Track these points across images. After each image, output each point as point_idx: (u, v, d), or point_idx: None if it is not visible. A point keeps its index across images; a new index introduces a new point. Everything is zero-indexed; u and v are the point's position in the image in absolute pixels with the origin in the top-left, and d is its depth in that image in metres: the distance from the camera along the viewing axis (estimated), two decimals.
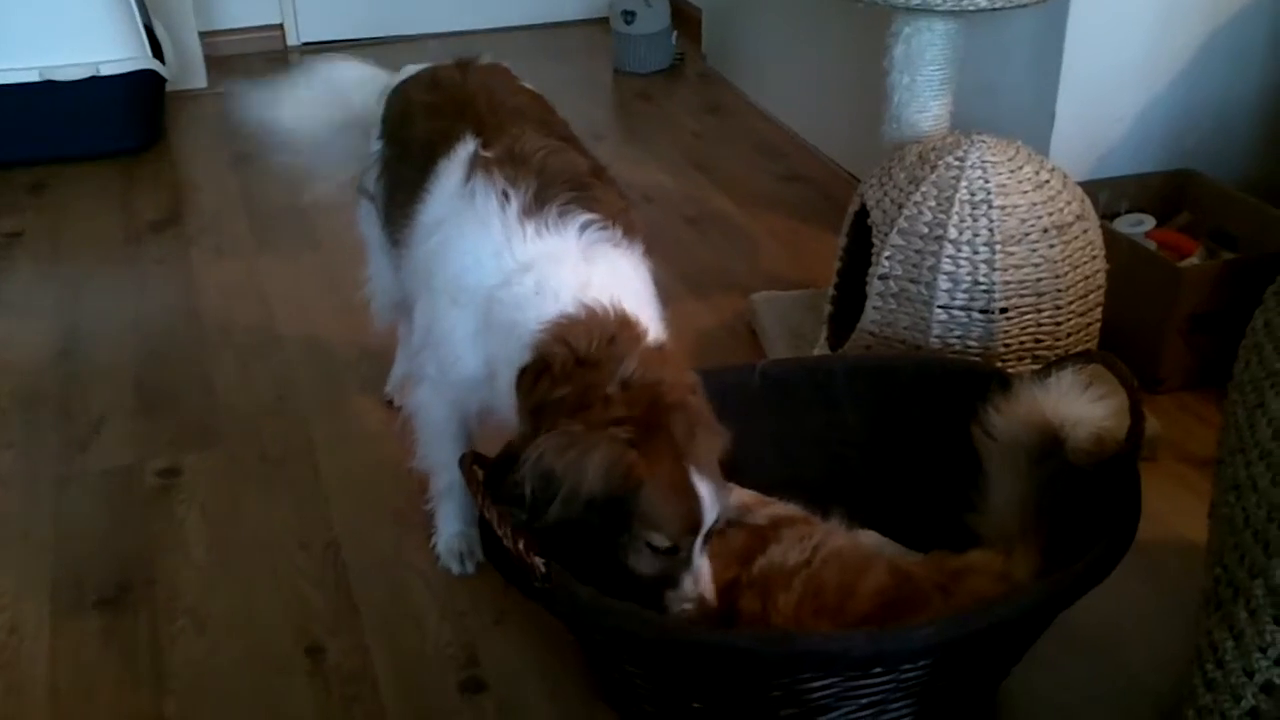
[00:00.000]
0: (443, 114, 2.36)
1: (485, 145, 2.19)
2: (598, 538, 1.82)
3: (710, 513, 1.85)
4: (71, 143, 4.37)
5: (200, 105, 4.97)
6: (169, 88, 4.72)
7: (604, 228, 2.08)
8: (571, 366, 1.90)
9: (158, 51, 4.50)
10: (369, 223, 2.68)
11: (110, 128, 4.40)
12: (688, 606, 1.86)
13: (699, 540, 1.86)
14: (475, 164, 2.15)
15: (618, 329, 1.93)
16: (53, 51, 4.23)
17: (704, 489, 1.84)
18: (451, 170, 2.21)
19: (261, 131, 2.93)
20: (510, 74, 2.56)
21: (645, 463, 1.80)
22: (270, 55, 5.51)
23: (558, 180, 2.10)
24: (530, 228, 2.04)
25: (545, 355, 1.93)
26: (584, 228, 2.06)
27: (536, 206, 2.06)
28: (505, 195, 2.07)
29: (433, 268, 2.18)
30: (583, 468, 1.78)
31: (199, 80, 5.08)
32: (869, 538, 2.15)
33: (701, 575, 1.88)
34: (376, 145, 2.57)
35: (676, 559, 1.86)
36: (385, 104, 2.59)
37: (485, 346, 2.07)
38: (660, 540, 1.83)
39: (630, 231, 2.13)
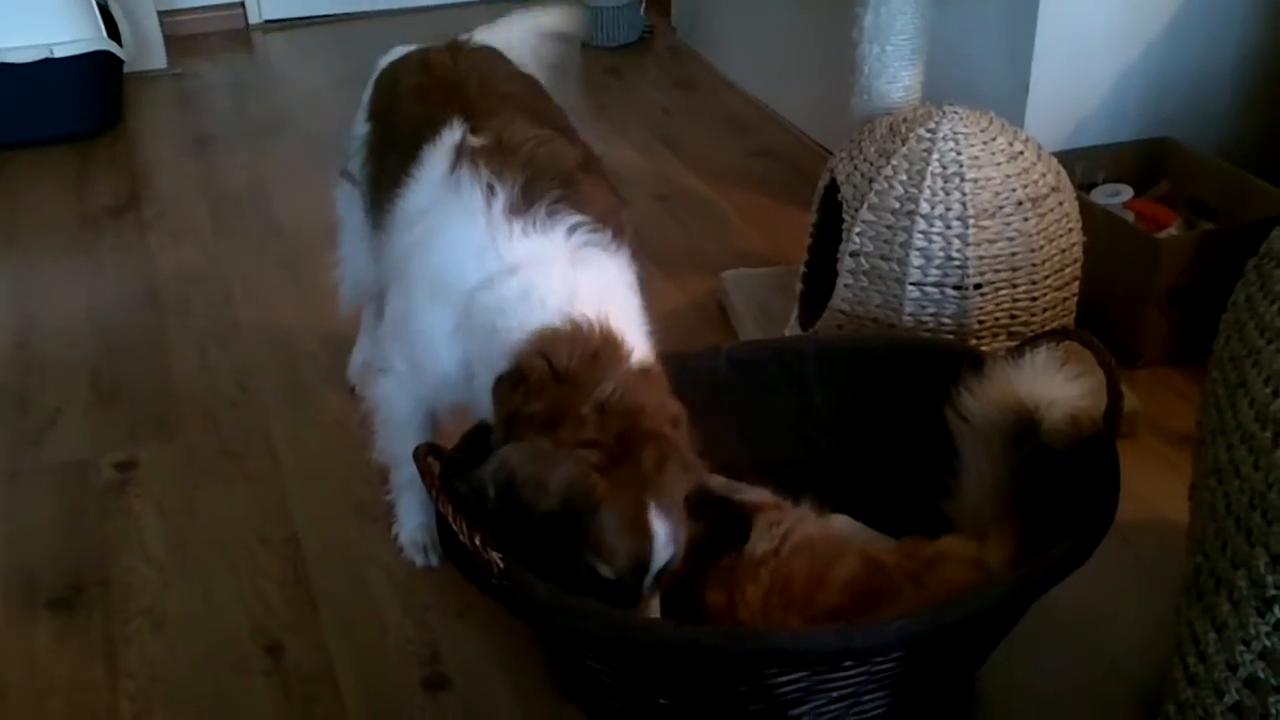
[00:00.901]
0: (431, 97, 2.29)
1: (473, 132, 2.12)
2: (550, 552, 1.76)
3: (662, 554, 1.77)
4: (25, 127, 4.28)
5: (159, 87, 4.89)
6: (127, 69, 4.65)
7: (594, 230, 2.01)
8: (549, 381, 1.83)
9: (114, 32, 4.43)
10: (348, 206, 2.62)
11: (65, 111, 4.31)
12: None
13: (648, 579, 1.79)
14: (461, 153, 2.08)
15: (601, 346, 1.86)
16: (4, 33, 4.14)
17: (660, 528, 1.76)
18: (437, 157, 2.13)
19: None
20: (503, 57, 2.49)
21: (607, 489, 1.74)
22: (231, 34, 5.43)
23: (546, 175, 2.03)
24: (517, 226, 1.97)
25: (523, 367, 1.86)
26: (573, 230, 1.99)
27: (524, 204, 1.98)
28: (491, 189, 1.99)
29: (413, 260, 2.11)
30: (544, 482, 1.73)
31: (158, 61, 4.99)
32: (841, 523, 2.11)
33: (648, 611, 1.81)
34: (363, 128, 2.51)
35: (621, 591, 1.78)
36: (373, 85, 2.54)
37: (464, 346, 2.00)
38: (606, 571, 1.76)
39: (620, 234, 2.06)
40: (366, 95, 2.54)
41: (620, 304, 1.97)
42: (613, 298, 1.96)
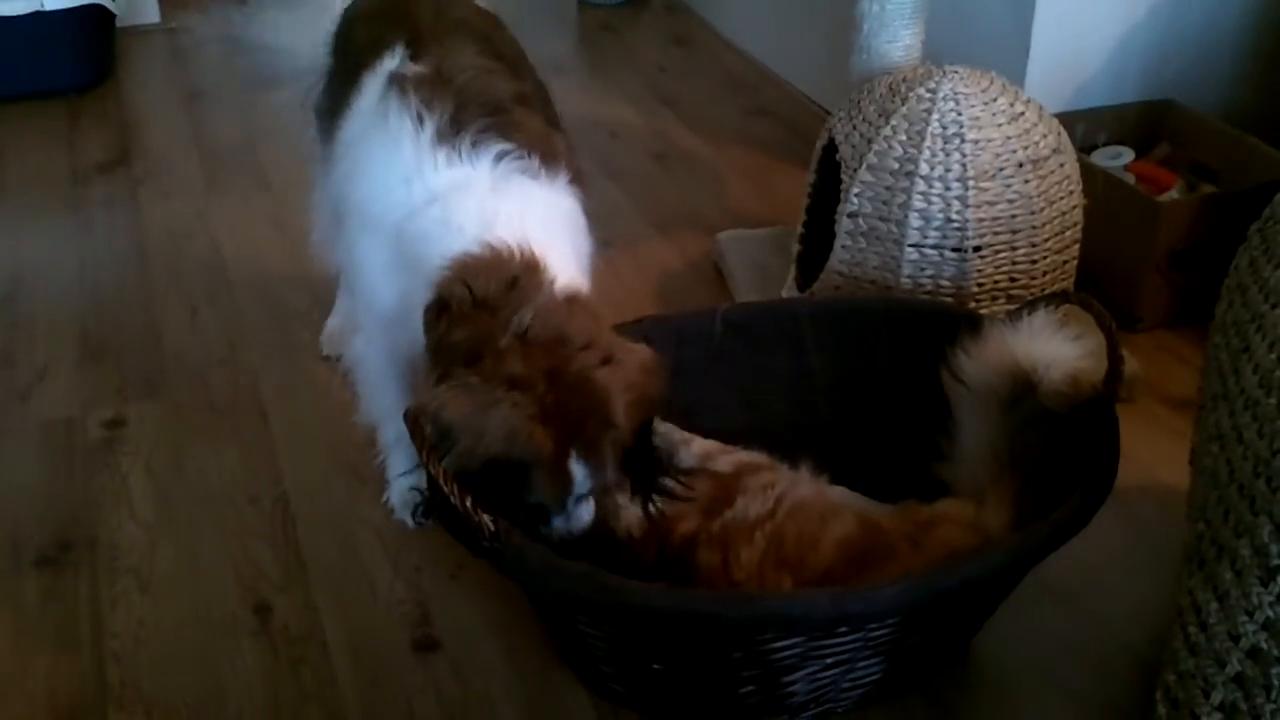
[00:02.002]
0: (382, 21, 2.26)
1: (414, 59, 2.09)
2: (484, 486, 1.75)
3: (580, 487, 1.79)
4: (15, 81, 4.23)
5: (151, 41, 4.84)
6: (119, 23, 4.61)
7: (520, 157, 1.98)
8: (469, 308, 1.81)
9: None
10: (312, 144, 2.58)
11: (56, 65, 4.26)
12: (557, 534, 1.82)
13: (568, 501, 1.80)
14: (393, 81, 2.05)
15: (521, 271, 1.83)
16: None
17: (578, 472, 1.76)
18: (373, 85, 2.11)
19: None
20: None
21: (542, 439, 1.73)
22: None
23: (475, 104, 2.00)
24: (442, 155, 1.95)
25: (444, 295, 1.84)
26: (499, 157, 1.96)
27: (451, 132, 1.96)
28: (420, 119, 1.97)
29: (345, 192, 2.10)
30: (481, 429, 1.72)
31: (151, 15, 4.95)
32: (838, 494, 2.08)
33: (575, 518, 1.82)
34: (324, 61, 2.48)
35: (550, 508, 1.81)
36: (341, 15, 2.50)
37: (398, 280, 1.98)
38: (531, 496, 1.78)
39: (551, 159, 2.03)
40: (333, 27, 2.51)
41: (544, 230, 1.92)
42: (536, 224, 1.92)
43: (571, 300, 1.84)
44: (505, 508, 1.75)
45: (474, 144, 1.95)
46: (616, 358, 1.82)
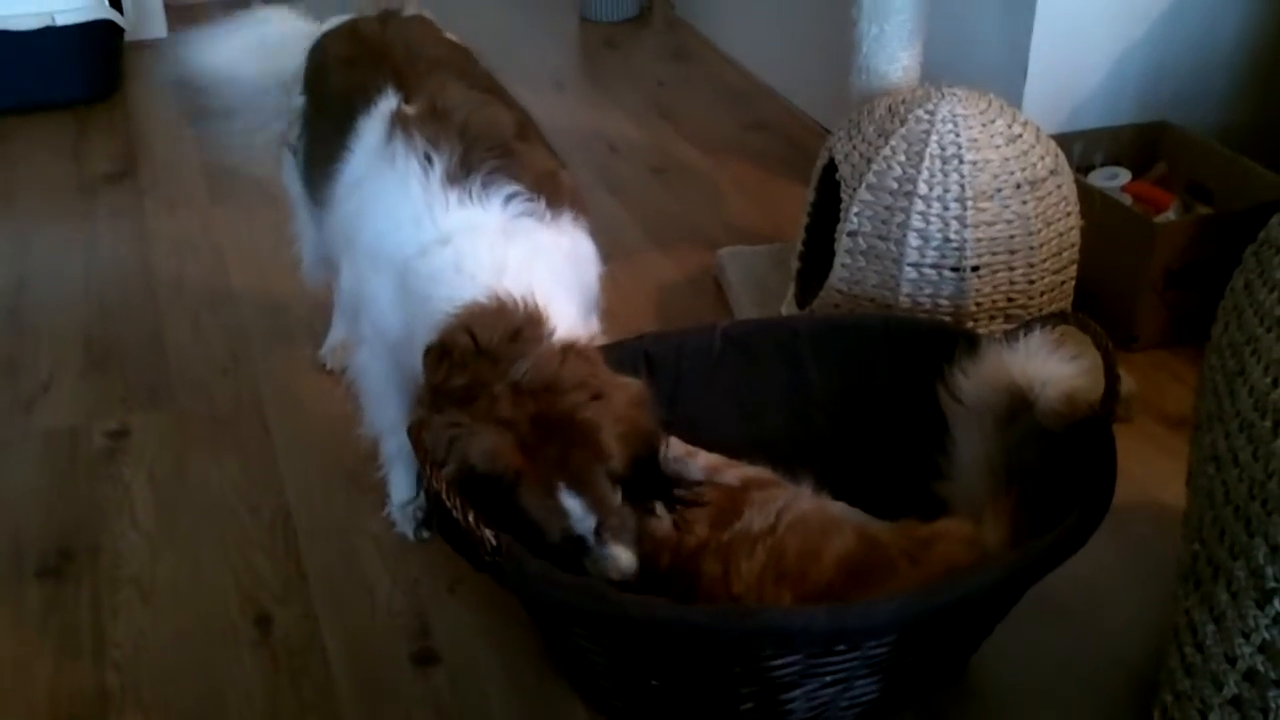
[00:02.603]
0: (359, 66, 2.30)
1: (406, 100, 2.13)
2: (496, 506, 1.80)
3: (584, 523, 1.82)
4: (25, 93, 4.26)
5: (159, 55, 4.84)
6: (128, 37, 4.63)
7: (529, 199, 2.02)
8: (470, 357, 1.85)
9: (115, 1, 4.39)
10: (291, 178, 2.63)
11: (65, 78, 4.28)
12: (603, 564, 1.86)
13: (589, 540, 1.84)
14: (396, 121, 2.09)
15: (524, 323, 1.87)
16: (7, 0, 4.12)
17: (570, 504, 1.80)
18: (372, 127, 2.15)
19: (204, 81, 2.82)
20: (433, 25, 2.50)
21: (525, 466, 1.78)
22: (233, 4, 5.37)
23: (483, 142, 2.04)
24: (454, 195, 1.99)
25: (447, 341, 1.88)
26: (509, 199, 2.00)
27: (461, 173, 2.00)
28: (428, 159, 2.01)
29: (353, 231, 2.12)
30: (465, 451, 1.77)
31: (159, 30, 4.96)
32: (836, 509, 2.10)
33: (613, 561, 1.85)
34: (298, 100, 2.50)
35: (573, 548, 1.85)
36: (306, 57, 2.53)
37: (404, 314, 2.02)
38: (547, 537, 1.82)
39: (557, 199, 2.07)
40: (301, 66, 2.53)
41: (550, 278, 1.97)
42: (543, 271, 1.96)
43: (568, 349, 1.87)
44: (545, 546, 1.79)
45: (484, 185, 1.99)
46: (605, 394, 1.85)
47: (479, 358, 1.84)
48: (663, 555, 1.94)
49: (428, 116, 2.07)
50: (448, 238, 1.96)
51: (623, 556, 1.85)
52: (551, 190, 2.06)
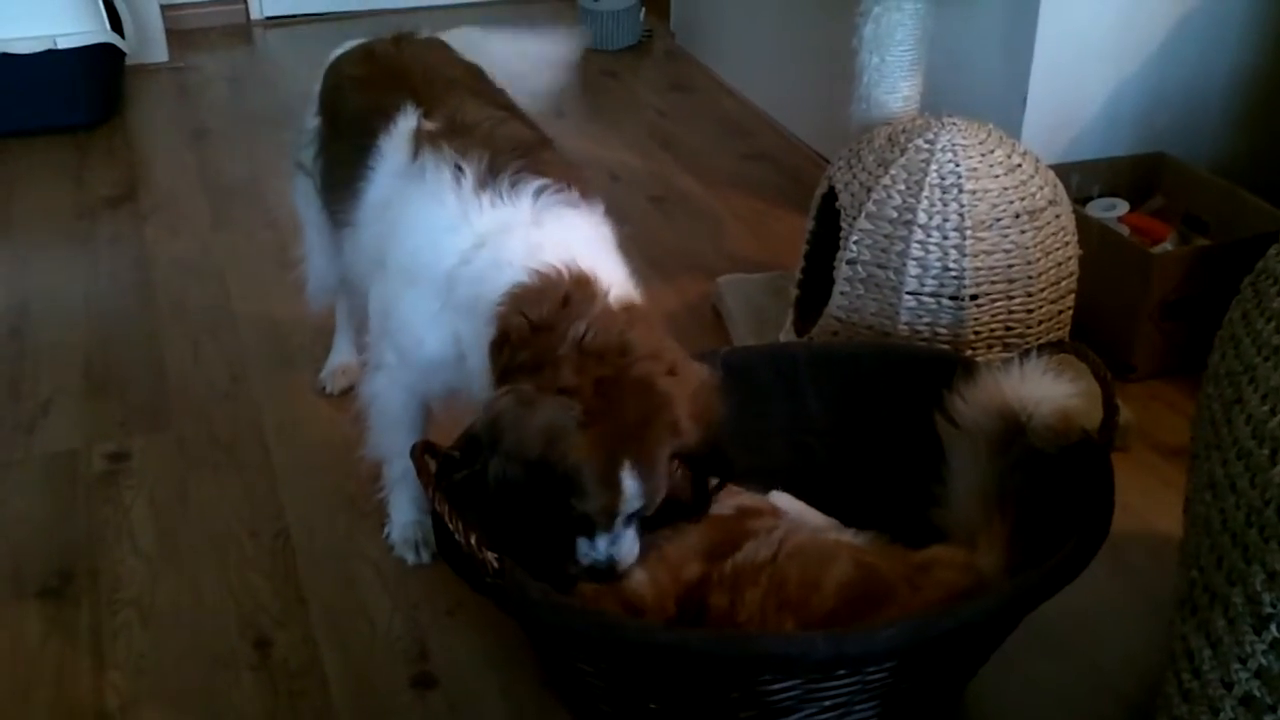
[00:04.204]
0: (376, 87, 2.31)
1: (427, 116, 2.14)
2: (529, 496, 1.79)
3: (631, 504, 1.81)
4: (26, 116, 4.29)
5: (160, 79, 4.89)
6: (129, 61, 4.67)
7: (559, 190, 2.02)
8: (528, 333, 1.85)
9: (117, 24, 4.42)
10: (305, 200, 2.64)
11: (66, 102, 4.31)
12: (595, 561, 1.85)
13: (620, 519, 1.83)
14: (421, 138, 2.10)
15: (572, 288, 1.87)
16: (9, 24, 4.16)
17: (629, 484, 1.79)
18: (395, 146, 2.16)
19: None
20: (447, 47, 2.50)
21: (586, 447, 1.76)
22: (233, 29, 5.44)
23: (507, 148, 2.05)
24: (485, 199, 1.99)
25: (504, 328, 1.88)
26: (538, 193, 2.01)
27: (490, 177, 2.00)
28: (459, 169, 2.01)
29: (385, 249, 2.12)
30: (526, 426, 1.76)
31: (160, 54, 5.01)
32: (783, 501, 2.13)
33: (622, 544, 1.85)
34: (313, 122, 2.51)
35: (598, 525, 1.84)
36: (322, 79, 2.54)
37: (451, 326, 2.01)
38: (580, 508, 1.80)
39: (586, 193, 2.08)
40: (315, 89, 2.55)
41: (589, 248, 1.97)
42: (581, 245, 1.96)
43: (630, 309, 1.88)
44: (545, 529, 1.79)
45: (513, 184, 2.00)
46: (680, 370, 1.85)
47: (537, 333, 1.84)
48: (666, 604, 1.93)
49: (450, 131, 2.08)
50: (484, 240, 1.96)
51: (630, 545, 1.86)
52: (582, 185, 2.07)
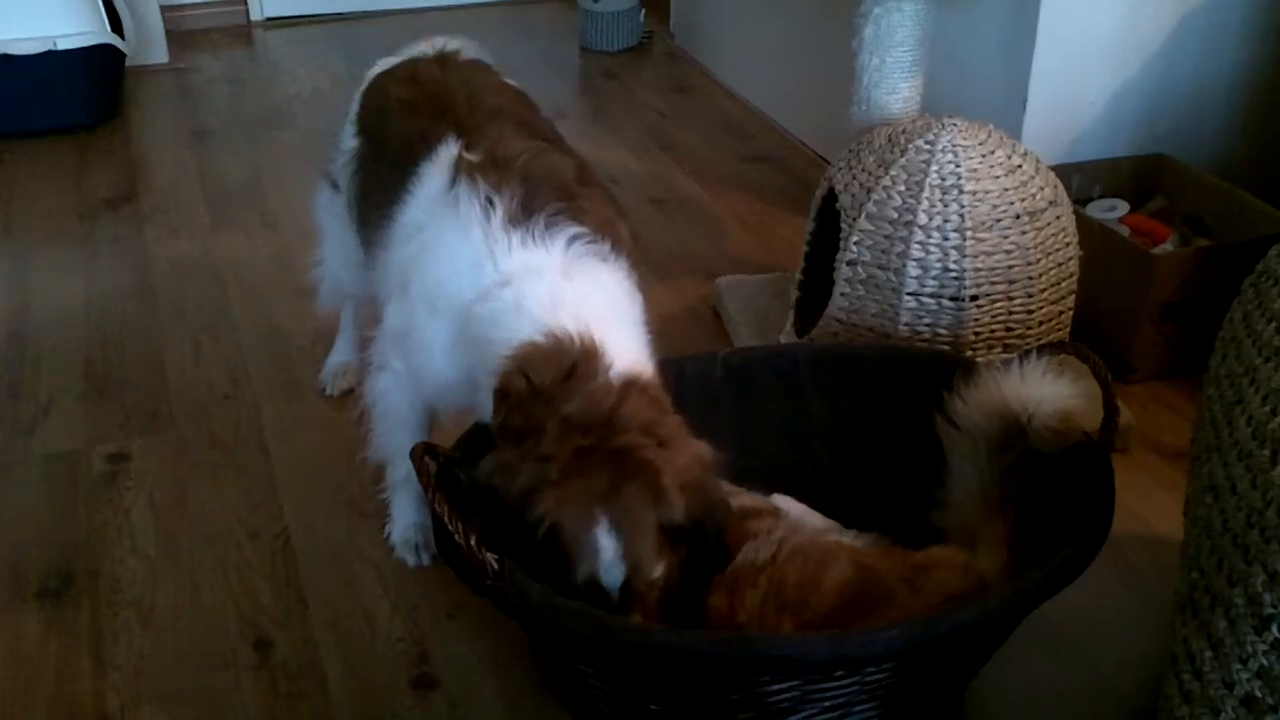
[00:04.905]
0: (422, 112, 2.29)
1: (468, 148, 2.12)
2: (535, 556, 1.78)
3: (610, 570, 1.77)
4: (26, 118, 4.28)
5: (160, 81, 4.89)
6: (129, 62, 4.66)
7: (592, 241, 2.00)
8: (525, 397, 1.84)
9: (117, 26, 4.42)
10: (328, 210, 2.64)
11: (66, 103, 4.31)
12: None
13: (612, 593, 1.78)
14: (459, 168, 2.07)
15: (579, 360, 1.85)
16: (8, 25, 4.16)
17: (605, 545, 1.76)
18: (434, 173, 2.14)
19: None
20: (491, 70, 2.49)
21: (554, 504, 1.76)
22: (233, 30, 5.44)
23: (544, 187, 2.03)
24: (516, 238, 1.97)
25: (504, 385, 1.87)
26: (572, 241, 1.98)
27: (523, 215, 1.98)
28: (490, 202, 1.99)
29: (411, 274, 2.11)
30: (507, 491, 1.77)
31: (160, 55, 5.00)
32: (784, 503, 2.13)
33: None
34: (351, 143, 2.50)
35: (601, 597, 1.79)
36: (361, 99, 2.52)
37: (465, 358, 2.00)
38: (566, 576, 1.78)
39: (618, 245, 2.05)
40: (354, 108, 2.54)
41: (609, 315, 1.95)
42: (602, 308, 1.94)
43: (630, 384, 1.86)
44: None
45: (547, 227, 1.97)
46: (670, 443, 1.83)
47: (534, 399, 1.83)
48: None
49: (489, 164, 2.05)
50: (508, 279, 1.94)
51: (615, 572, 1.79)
52: (613, 236, 2.05)
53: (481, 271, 1.97)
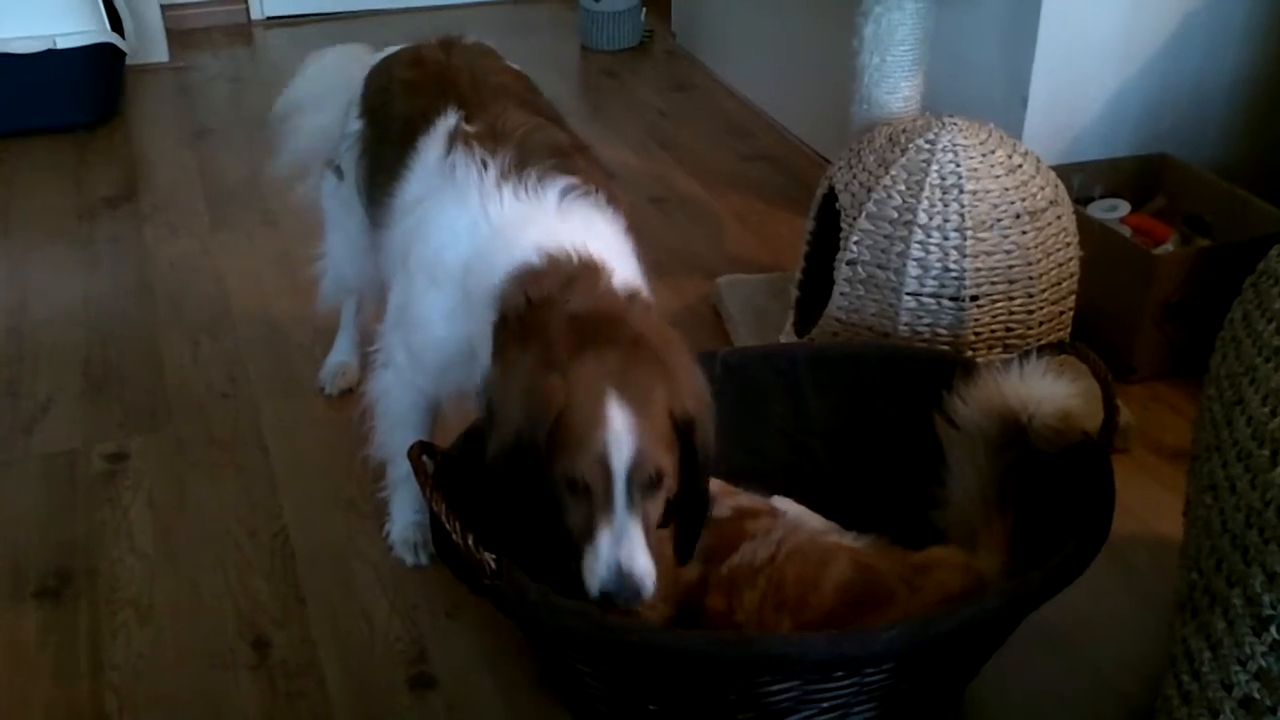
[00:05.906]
0: (424, 91, 2.28)
1: (467, 121, 2.12)
2: (529, 486, 1.73)
3: (622, 444, 1.69)
4: (26, 116, 4.27)
5: (160, 79, 4.88)
6: (129, 61, 4.66)
7: (586, 192, 1.99)
8: (525, 310, 1.81)
9: (117, 24, 4.42)
10: (333, 198, 2.63)
11: (66, 102, 4.30)
12: (603, 575, 1.71)
13: (618, 485, 1.70)
14: (456, 137, 2.07)
15: (579, 271, 1.83)
16: (8, 24, 4.15)
17: (616, 416, 1.69)
18: (432, 146, 2.14)
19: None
20: (495, 54, 2.48)
21: (564, 386, 1.70)
22: (233, 29, 5.43)
23: (539, 148, 2.03)
24: (508, 191, 1.96)
25: (503, 309, 1.85)
26: (565, 191, 1.97)
27: (515, 171, 1.98)
28: (484, 164, 1.99)
29: (410, 246, 2.11)
30: (510, 394, 1.73)
31: (160, 54, 4.99)
32: (784, 505, 2.12)
33: (626, 536, 1.71)
34: (356, 125, 2.50)
35: (594, 505, 1.72)
36: (365, 82, 2.52)
37: (464, 324, 1.99)
38: (569, 470, 1.71)
39: (614, 200, 2.04)
40: (358, 92, 2.53)
41: (605, 241, 1.93)
42: (597, 238, 1.92)
43: (634, 297, 1.84)
44: (545, 521, 1.74)
45: (539, 179, 1.96)
46: (679, 351, 1.81)
47: (533, 309, 1.80)
48: (665, 609, 1.92)
49: (487, 134, 2.05)
50: (502, 230, 1.93)
51: (639, 557, 1.71)
52: (610, 192, 2.04)
53: (476, 229, 1.96)
